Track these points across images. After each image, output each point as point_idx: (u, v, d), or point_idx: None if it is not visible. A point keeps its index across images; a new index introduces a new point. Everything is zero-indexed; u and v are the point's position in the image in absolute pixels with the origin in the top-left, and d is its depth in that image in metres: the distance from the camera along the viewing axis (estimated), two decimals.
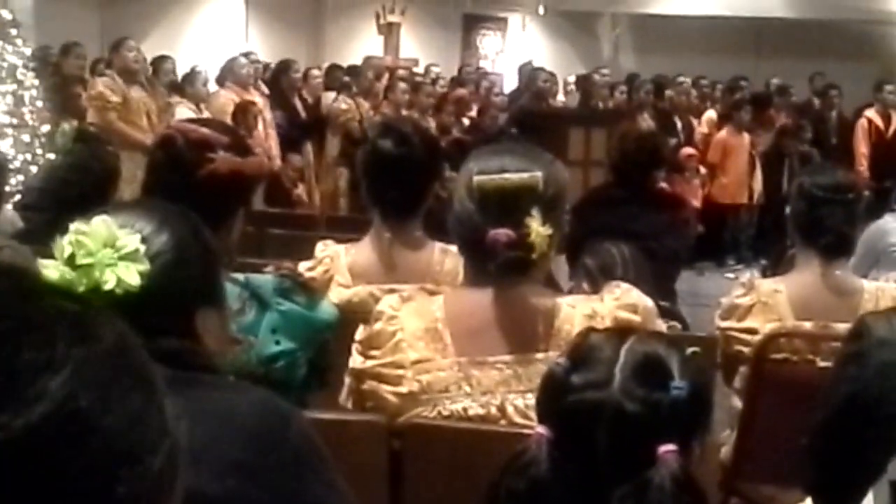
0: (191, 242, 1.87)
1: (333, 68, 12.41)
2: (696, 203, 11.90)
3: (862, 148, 12.50)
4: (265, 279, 2.70)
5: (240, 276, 2.62)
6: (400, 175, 3.48)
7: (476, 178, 2.41)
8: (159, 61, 10.44)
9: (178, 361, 1.74)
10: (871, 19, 16.85)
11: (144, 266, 1.71)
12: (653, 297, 2.70)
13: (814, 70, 14.68)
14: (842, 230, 3.70)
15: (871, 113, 12.76)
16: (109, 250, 1.70)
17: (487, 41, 17.61)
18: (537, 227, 2.36)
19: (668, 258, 5.57)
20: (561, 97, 14.08)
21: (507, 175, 2.40)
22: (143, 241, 1.75)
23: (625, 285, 2.60)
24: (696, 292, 8.32)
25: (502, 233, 2.36)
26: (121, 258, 1.70)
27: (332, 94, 11.37)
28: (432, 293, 2.71)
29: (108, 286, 1.67)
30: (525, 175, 2.40)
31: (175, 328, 1.79)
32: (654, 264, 4.63)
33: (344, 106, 10.96)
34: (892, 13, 17.05)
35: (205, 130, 2.71)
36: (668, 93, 13.24)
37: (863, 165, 12.24)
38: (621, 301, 2.51)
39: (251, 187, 2.79)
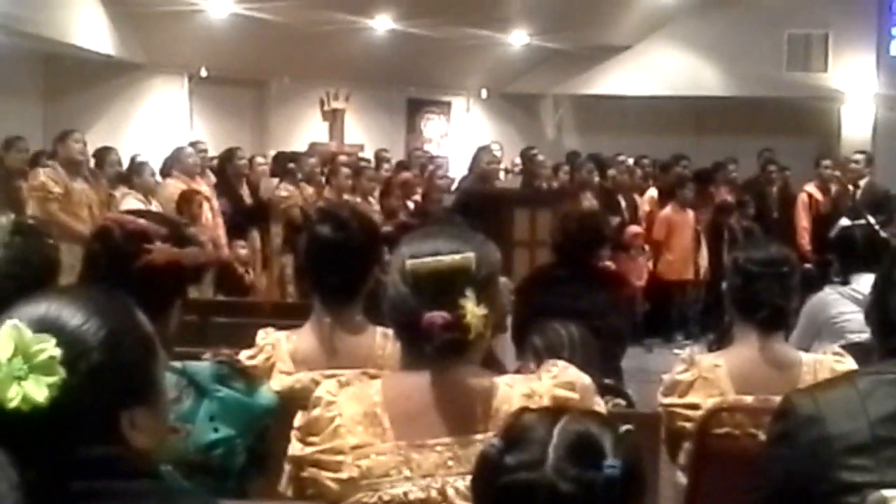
0: (125, 334, 1.76)
1: (281, 155, 12.47)
2: (641, 282, 12.01)
3: (803, 222, 12.72)
4: (202, 366, 2.69)
5: (177, 364, 2.60)
6: (339, 260, 3.51)
7: (409, 262, 2.42)
8: (104, 153, 10.42)
9: (104, 471, 1.69)
10: (808, 95, 17.18)
11: (58, 377, 1.62)
12: (599, 375, 2.71)
13: (753, 146, 14.93)
14: (777, 304, 3.75)
15: (810, 188, 13.00)
16: (19, 360, 1.60)
17: (432, 125, 17.76)
18: (472, 308, 2.37)
19: (613, 336, 5.60)
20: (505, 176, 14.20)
21: (439, 257, 2.42)
22: (70, 337, 1.67)
23: (562, 363, 2.62)
24: (644, 369, 8.35)
25: (438, 315, 2.37)
26: (32, 368, 1.60)
27: (273, 181, 11.42)
28: (373, 377, 2.71)
29: (11, 404, 1.58)
30: (457, 257, 2.42)
31: (99, 434, 1.70)
32: (598, 343, 4.65)
33: (284, 193, 11.00)
34: (829, 89, 17.41)
35: (142, 222, 2.71)
36: (611, 172, 13.37)
37: (804, 239, 12.44)
38: (559, 379, 2.52)
39: (189, 278, 2.79)
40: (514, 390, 2.47)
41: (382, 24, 14.83)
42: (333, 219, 3.58)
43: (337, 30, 13.86)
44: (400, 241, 2.55)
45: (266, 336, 3.60)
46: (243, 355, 3.50)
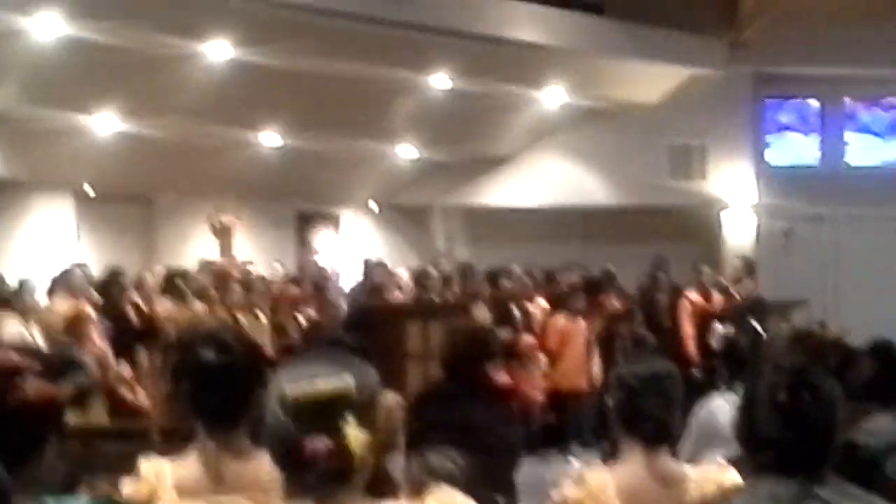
0: None
1: (169, 273, 12.34)
2: (538, 392, 11.99)
3: (688, 328, 12.80)
4: (79, 501, 2.61)
5: (50, 500, 2.52)
6: (222, 384, 3.45)
7: (288, 389, 2.40)
8: None
9: None
10: (691, 203, 17.55)
11: None
12: (488, 497, 2.68)
13: (640, 253, 15.16)
14: (661, 418, 3.78)
15: (692, 294, 13.15)
16: None
17: (322, 237, 17.75)
18: (354, 433, 2.34)
19: (505, 450, 5.59)
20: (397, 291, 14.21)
21: (318, 384, 2.39)
22: None
23: (447, 487, 2.60)
24: (541, 480, 8.29)
25: (319, 442, 2.34)
26: None
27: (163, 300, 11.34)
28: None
29: None
30: (335, 382, 2.39)
31: None
32: (490, 457, 4.63)
33: (164, 313, 10.95)
34: (709, 197, 17.81)
35: (13, 357, 2.65)
36: (504, 282, 13.44)
37: (690, 347, 12.53)
38: None
39: (63, 412, 2.72)
40: None
41: (269, 139, 14.86)
42: (216, 342, 3.53)
43: (223, 145, 13.86)
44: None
45: (149, 464, 3.52)
46: (125, 485, 3.42)
